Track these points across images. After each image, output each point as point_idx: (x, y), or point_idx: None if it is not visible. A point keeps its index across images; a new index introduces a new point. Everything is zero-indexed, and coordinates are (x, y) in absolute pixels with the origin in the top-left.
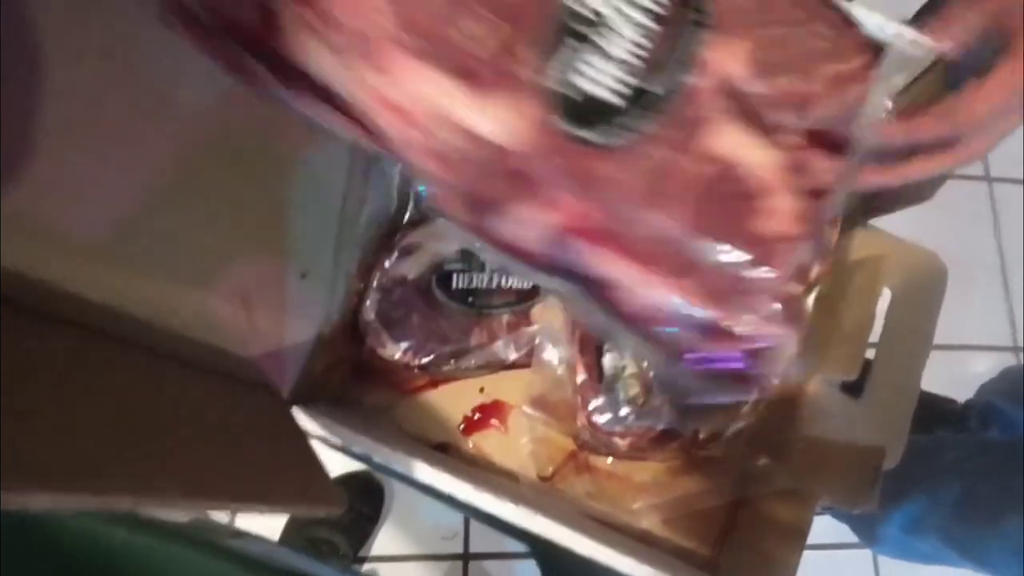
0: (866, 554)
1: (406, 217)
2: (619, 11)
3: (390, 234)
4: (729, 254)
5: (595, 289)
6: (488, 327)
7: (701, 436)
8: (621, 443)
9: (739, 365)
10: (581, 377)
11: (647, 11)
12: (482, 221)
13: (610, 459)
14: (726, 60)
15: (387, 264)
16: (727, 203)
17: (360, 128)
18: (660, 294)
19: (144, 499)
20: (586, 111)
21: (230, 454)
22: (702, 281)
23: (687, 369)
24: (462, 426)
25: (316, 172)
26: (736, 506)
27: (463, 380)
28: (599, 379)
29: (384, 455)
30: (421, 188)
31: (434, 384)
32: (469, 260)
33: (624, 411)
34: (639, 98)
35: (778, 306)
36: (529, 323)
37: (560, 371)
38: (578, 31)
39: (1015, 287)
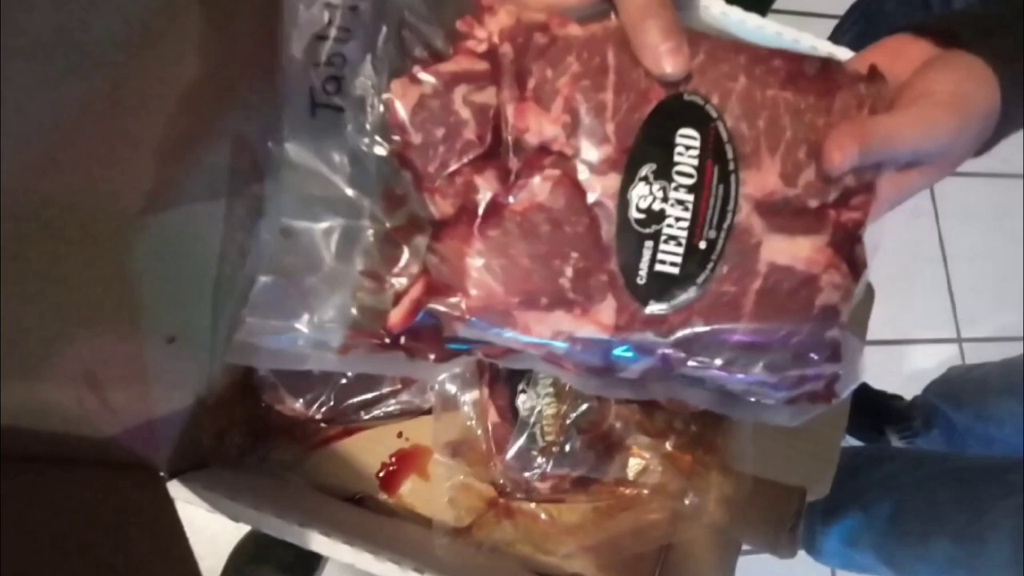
0: None
1: None
2: (672, 200)
3: None
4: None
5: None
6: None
7: (629, 475)
8: (541, 487)
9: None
10: (493, 420)
11: (687, 188)
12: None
13: (533, 503)
14: (760, 187)
15: None
16: (792, 296)
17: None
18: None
19: None
20: (654, 288)
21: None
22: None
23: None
24: (382, 474)
25: (177, 231)
26: (668, 544)
27: (380, 427)
28: (513, 422)
29: (274, 527)
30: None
31: (348, 433)
32: None
33: (540, 457)
34: (693, 256)
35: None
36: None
37: (471, 415)
38: (647, 233)
39: (957, 280)
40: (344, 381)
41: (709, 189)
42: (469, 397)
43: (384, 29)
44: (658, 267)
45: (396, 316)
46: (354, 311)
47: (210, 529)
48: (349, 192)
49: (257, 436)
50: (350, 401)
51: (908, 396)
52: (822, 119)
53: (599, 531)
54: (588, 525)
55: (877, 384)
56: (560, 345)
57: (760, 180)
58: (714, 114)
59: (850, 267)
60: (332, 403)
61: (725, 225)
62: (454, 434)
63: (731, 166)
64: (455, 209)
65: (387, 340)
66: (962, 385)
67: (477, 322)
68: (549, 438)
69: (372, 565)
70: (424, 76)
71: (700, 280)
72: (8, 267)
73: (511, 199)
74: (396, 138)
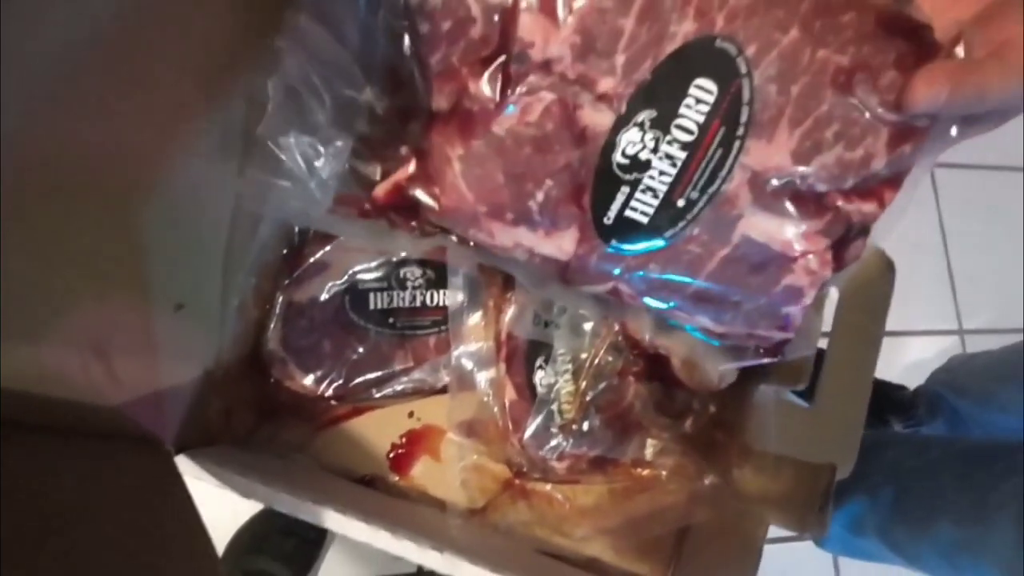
0: None
1: (311, 231)
2: (662, 154)
3: (295, 253)
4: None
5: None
6: (414, 350)
7: (647, 455)
8: (558, 467)
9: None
10: (510, 397)
11: (682, 144)
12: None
13: (548, 485)
14: (763, 160)
15: (292, 286)
16: (757, 269)
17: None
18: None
19: None
20: (618, 230)
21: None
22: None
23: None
24: (392, 455)
25: (188, 193)
26: (686, 528)
27: (390, 406)
28: (531, 399)
29: (286, 504)
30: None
31: (358, 412)
32: (388, 278)
33: (558, 436)
34: (667, 211)
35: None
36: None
37: (488, 393)
38: (626, 179)
39: (958, 271)
40: (355, 357)
41: (705, 151)
42: (485, 375)
43: None
44: (628, 213)
45: (380, 191)
46: (344, 176)
47: (206, 518)
48: (355, 65)
49: (265, 415)
50: (361, 379)
51: (910, 383)
52: (880, 95)
53: (616, 513)
54: (605, 507)
55: (879, 374)
56: (520, 255)
57: (766, 153)
58: (743, 69)
59: (837, 258)
60: (342, 380)
61: (711, 190)
62: (469, 413)
63: (740, 131)
64: (450, 107)
65: (368, 208)
66: (965, 373)
67: (447, 219)
68: (568, 416)
69: (390, 544)
70: None
71: (667, 235)
72: (11, 223)
73: (501, 112)
74: (404, 23)
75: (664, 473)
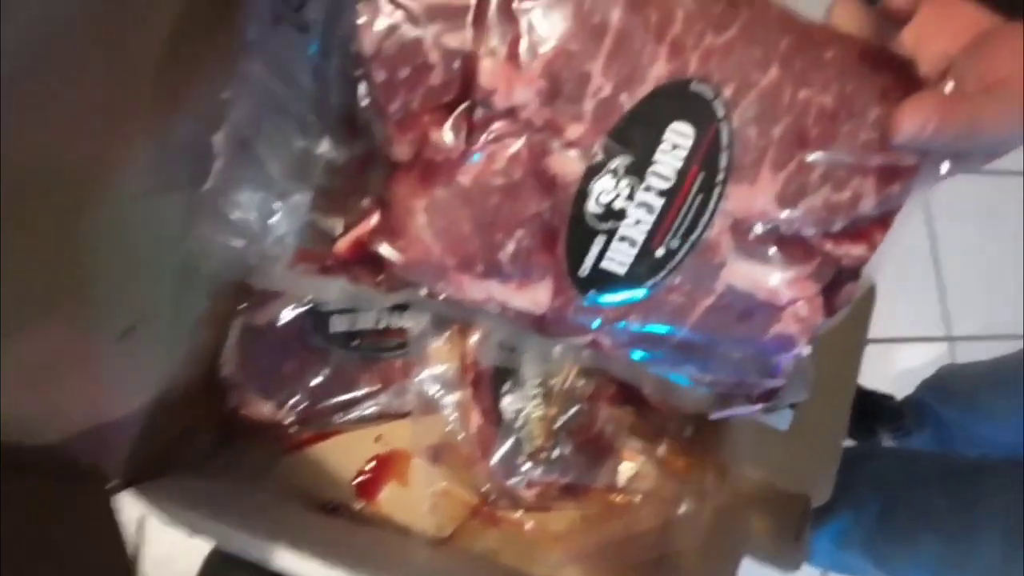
0: None
1: None
2: (638, 202)
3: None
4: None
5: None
6: (379, 373)
7: (620, 480)
8: (528, 494)
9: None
10: (477, 423)
11: (659, 192)
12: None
13: (519, 511)
14: (746, 205)
15: (249, 309)
16: (743, 319)
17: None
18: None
19: None
20: (595, 282)
21: None
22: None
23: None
24: (358, 480)
25: (135, 210)
26: (661, 556)
27: (357, 430)
28: (498, 425)
29: (235, 542)
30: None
31: (323, 436)
32: None
33: (527, 463)
34: (645, 261)
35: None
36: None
37: (453, 417)
38: (601, 228)
39: (947, 277)
40: (319, 381)
41: (685, 197)
42: (451, 399)
43: None
44: (604, 264)
45: (342, 246)
46: (303, 231)
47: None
48: (309, 113)
49: (224, 439)
50: (324, 404)
51: (898, 393)
52: (866, 134)
53: (589, 540)
54: (577, 533)
55: (867, 383)
56: (492, 309)
57: (748, 198)
58: (721, 112)
59: (828, 303)
60: (304, 406)
61: (692, 238)
62: (435, 437)
63: (720, 176)
64: (411, 156)
65: (330, 264)
66: (954, 383)
67: (412, 273)
68: (536, 442)
69: None
70: (396, 5)
71: (648, 284)
72: None
73: (466, 161)
74: (360, 71)
75: (638, 498)
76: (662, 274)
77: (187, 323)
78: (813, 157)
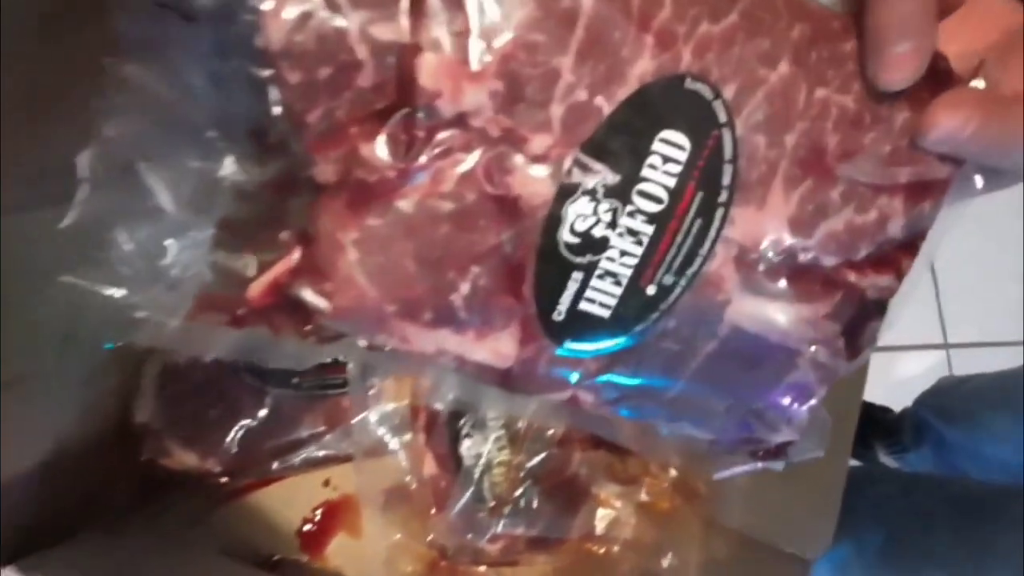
0: None
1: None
2: (623, 229)
3: None
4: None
5: None
6: (325, 412)
7: (597, 528)
8: (491, 549)
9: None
10: (431, 471)
11: (649, 217)
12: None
13: (483, 567)
14: (754, 231)
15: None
16: (753, 367)
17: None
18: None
19: None
20: (573, 328)
21: None
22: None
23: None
24: (303, 531)
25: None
26: None
27: (302, 475)
28: (455, 472)
29: None
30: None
31: (264, 483)
32: None
33: (489, 515)
34: (634, 301)
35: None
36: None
37: (405, 462)
38: (578, 263)
39: (943, 284)
40: (251, 425)
41: (680, 223)
42: (401, 441)
43: None
44: (583, 305)
45: (255, 291)
46: (207, 272)
47: None
48: (208, 126)
49: (145, 492)
50: (259, 449)
51: (894, 403)
52: (894, 141)
53: None
54: None
55: (864, 393)
56: (447, 363)
57: (756, 223)
58: (722, 116)
59: (850, 344)
60: (235, 453)
61: (689, 272)
62: (385, 482)
63: (722, 196)
64: (338, 177)
65: (243, 313)
66: (954, 398)
67: (344, 323)
68: (499, 490)
69: None
70: None
71: (637, 330)
72: None
73: (406, 182)
74: (268, 71)
75: (617, 548)
76: (654, 316)
77: (80, 370)
78: (833, 171)
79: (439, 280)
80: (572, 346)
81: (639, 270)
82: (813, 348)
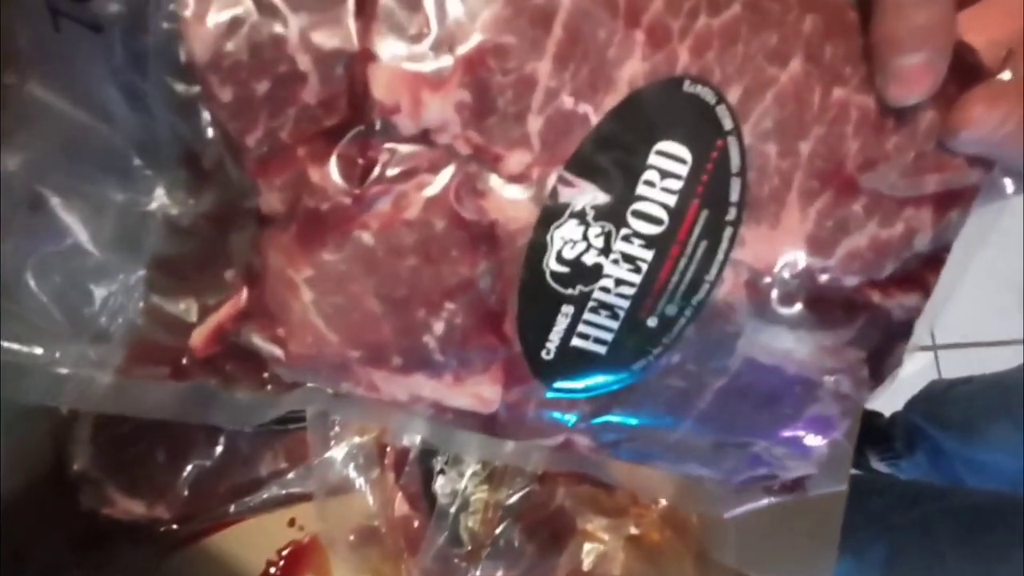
0: None
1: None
2: (618, 254)
3: None
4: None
5: None
6: (286, 449)
7: (585, 564)
8: None
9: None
10: (402, 511)
11: (647, 240)
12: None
13: None
14: (767, 252)
15: None
16: (768, 403)
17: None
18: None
19: None
20: (564, 367)
21: None
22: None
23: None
24: (271, 572)
25: None
26: None
27: (261, 514)
28: (428, 513)
29: None
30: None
31: (222, 526)
32: None
33: (463, 560)
34: (634, 335)
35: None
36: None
37: (374, 502)
38: (568, 295)
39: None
40: (204, 466)
41: (683, 245)
42: (367, 479)
43: None
44: (576, 342)
45: (198, 339)
46: (139, 320)
47: None
48: (130, 153)
49: (86, 544)
50: (213, 491)
51: (883, 406)
52: (920, 145)
53: None
54: None
55: None
56: (422, 412)
57: (770, 243)
58: (728, 123)
59: (874, 371)
60: (185, 497)
61: (695, 300)
62: (351, 523)
63: (730, 214)
64: (285, 207)
65: (187, 364)
66: (946, 403)
67: (301, 372)
68: (476, 528)
69: None
70: None
71: (637, 367)
72: None
73: (364, 209)
74: (195, 88)
75: None
76: (656, 351)
77: (3, 414)
78: (855, 181)
79: (408, 320)
80: (564, 386)
81: (638, 301)
82: (835, 378)
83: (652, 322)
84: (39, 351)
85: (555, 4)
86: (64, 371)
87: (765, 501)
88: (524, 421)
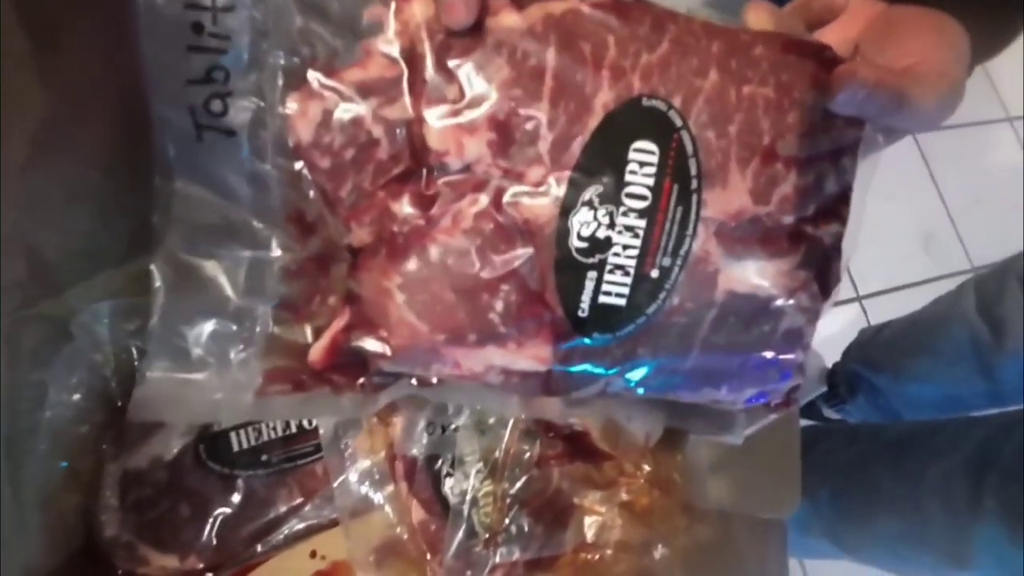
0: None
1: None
2: (620, 227)
3: (117, 413)
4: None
5: None
6: (299, 484)
7: (588, 537)
8: None
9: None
10: (419, 517)
11: (639, 212)
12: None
13: None
14: (724, 208)
15: (123, 452)
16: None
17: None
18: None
19: None
20: (597, 321)
21: None
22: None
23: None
24: None
25: None
26: None
27: (285, 550)
28: (443, 515)
29: None
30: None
31: (250, 567)
32: None
33: (484, 548)
34: (643, 286)
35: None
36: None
37: (392, 514)
38: (590, 263)
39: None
40: (227, 513)
41: (665, 212)
42: (384, 494)
43: (272, 30)
44: (603, 299)
45: (316, 354)
46: (269, 349)
47: None
48: (253, 220)
49: None
50: (239, 536)
51: (826, 362)
52: (811, 116)
53: None
54: None
55: None
56: (493, 379)
57: (724, 200)
58: (678, 121)
59: (821, 285)
60: (214, 545)
61: (682, 251)
62: (374, 539)
63: (693, 184)
64: (373, 238)
65: (304, 378)
66: (873, 348)
67: (403, 360)
68: (488, 520)
69: None
70: (326, 87)
71: (650, 311)
72: None
73: (433, 227)
74: (299, 163)
75: (610, 551)
76: (661, 296)
77: (32, 496)
78: (772, 147)
79: (476, 304)
80: (599, 336)
81: (642, 258)
82: (794, 296)
83: (654, 273)
84: (200, 377)
85: (544, 64)
86: (219, 396)
87: (771, 417)
88: (571, 375)
